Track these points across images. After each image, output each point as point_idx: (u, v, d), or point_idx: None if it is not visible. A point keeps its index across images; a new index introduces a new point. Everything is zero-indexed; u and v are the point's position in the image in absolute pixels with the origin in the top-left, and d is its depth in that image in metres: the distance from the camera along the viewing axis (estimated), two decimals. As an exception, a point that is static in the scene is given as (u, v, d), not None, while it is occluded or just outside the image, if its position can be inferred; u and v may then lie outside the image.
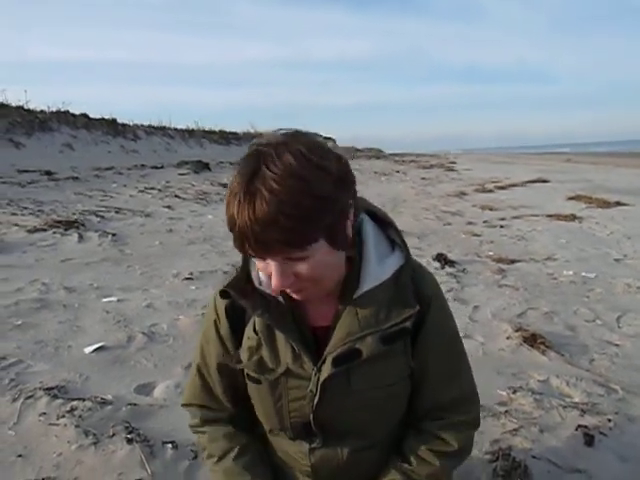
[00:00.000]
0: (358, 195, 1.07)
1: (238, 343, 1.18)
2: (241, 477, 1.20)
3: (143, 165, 13.45)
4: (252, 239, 0.89)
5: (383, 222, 1.13)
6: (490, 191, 11.50)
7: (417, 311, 1.07)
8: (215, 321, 1.21)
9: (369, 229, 1.10)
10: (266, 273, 1.00)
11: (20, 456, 1.84)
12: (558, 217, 7.40)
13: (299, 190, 0.87)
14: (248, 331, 1.15)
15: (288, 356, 1.11)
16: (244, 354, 1.15)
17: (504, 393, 2.35)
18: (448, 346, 1.17)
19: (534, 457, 1.91)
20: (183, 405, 1.32)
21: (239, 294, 1.11)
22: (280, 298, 1.10)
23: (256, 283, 1.10)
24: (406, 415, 1.21)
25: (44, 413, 2.08)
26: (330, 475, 1.20)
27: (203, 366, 1.25)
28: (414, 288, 1.11)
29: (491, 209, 8.46)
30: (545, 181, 13.63)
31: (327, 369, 1.08)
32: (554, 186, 12.42)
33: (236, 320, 1.17)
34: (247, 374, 1.17)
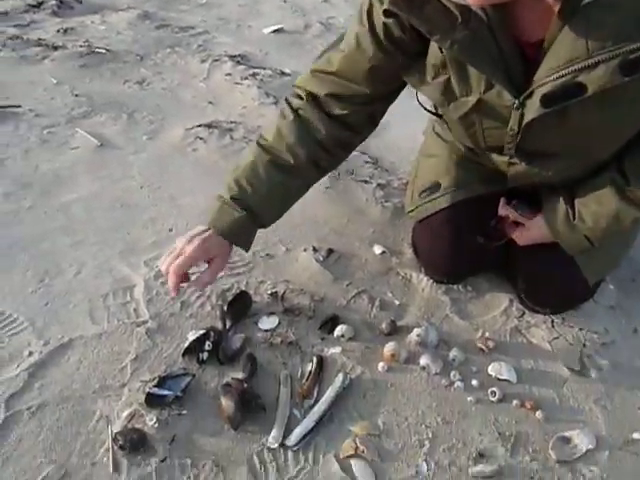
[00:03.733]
0: None
1: (421, 45, 0.90)
2: (256, 178, 1.04)
3: None
4: None
5: None
6: None
7: None
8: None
9: None
10: None
11: (211, 103, 2.00)
12: None
13: None
14: (433, 44, 0.88)
15: (482, 85, 0.87)
16: (429, 69, 0.92)
17: None
18: None
19: None
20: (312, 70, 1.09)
21: (410, 10, 0.80)
22: (477, 9, 0.78)
23: None
24: None
25: (229, 74, 2.19)
26: (528, 184, 1.06)
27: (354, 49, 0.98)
28: None
29: None
30: None
31: (534, 109, 0.82)
32: None
33: None
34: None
